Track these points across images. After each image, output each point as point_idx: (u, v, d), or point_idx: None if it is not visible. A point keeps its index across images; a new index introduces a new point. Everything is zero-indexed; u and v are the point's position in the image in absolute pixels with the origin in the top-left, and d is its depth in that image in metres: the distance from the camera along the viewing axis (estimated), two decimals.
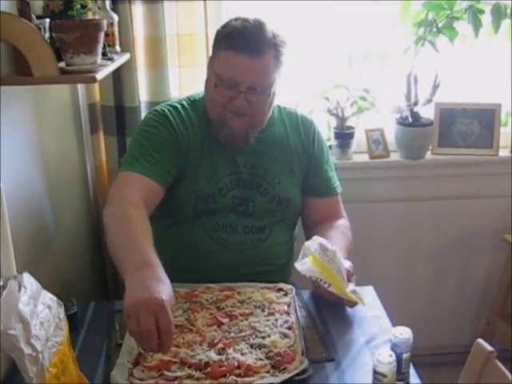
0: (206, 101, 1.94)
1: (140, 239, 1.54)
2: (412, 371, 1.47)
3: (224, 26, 1.87)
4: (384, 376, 1.36)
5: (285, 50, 1.87)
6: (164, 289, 1.36)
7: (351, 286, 1.71)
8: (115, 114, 2.44)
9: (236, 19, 1.85)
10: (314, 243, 1.73)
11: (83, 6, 1.66)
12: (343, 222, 2.09)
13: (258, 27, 1.81)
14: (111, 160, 2.52)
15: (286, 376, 1.42)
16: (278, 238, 2.01)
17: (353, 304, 1.72)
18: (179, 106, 1.96)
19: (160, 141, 1.87)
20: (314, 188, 2.07)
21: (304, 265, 1.68)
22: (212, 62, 1.90)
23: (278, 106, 2.06)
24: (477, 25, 2.50)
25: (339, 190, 2.11)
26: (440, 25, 2.52)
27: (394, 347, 1.43)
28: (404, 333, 1.44)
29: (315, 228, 2.02)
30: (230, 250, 1.94)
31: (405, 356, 1.43)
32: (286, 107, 2.09)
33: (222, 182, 1.93)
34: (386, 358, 1.36)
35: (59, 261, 2.07)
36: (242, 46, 1.79)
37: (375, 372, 1.37)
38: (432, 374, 2.90)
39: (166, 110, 1.93)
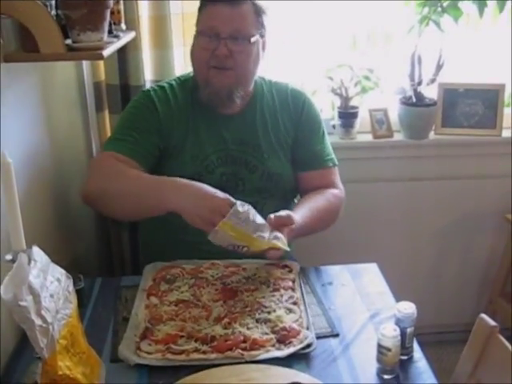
0: (193, 67, 1.98)
1: (151, 176, 1.77)
2: (415, 346, 1.49)
3: None
4: (388, 350, 1.38)
5: (264, 11, 1.92)
6: (212, 190, 1.65)
7: (274, 233, 1.67)
8: (120, 92, 2.44)
9: None
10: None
11: None
12: (332, 191, 2.04)
13: None
14: None
15: (291, 350, 1.44)
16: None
17: (274, 252, 1.69)
18: (166, 86, 2.01)
19: (141, 121, 1.93)
20: (301, 161, 2.06)
21: (216, 234, 1.60)
22: (196, 27, 1.94)
23: (269, 81, 2.08)
24: (481, 4, 2.50)
25: (332, 163, 2.08)
26: (445, 4, 2.52)
27: (398, 322, 1.45)
28: (408, 307, 1.46)
29: None
30: None
31: (409, 330, 1.45)
32: (278, 81, 2.10)
33: (209, 159, 1.95)
34: (390, 332, 1.38)
35: (65, 237, 2.09)
36: None
37: (380, 346, 1.39)
38: (435, 351, 2.91)
39: (152, 91, 1.98)
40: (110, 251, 2.68)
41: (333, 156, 2.09)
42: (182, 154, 1.94)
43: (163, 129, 1.94)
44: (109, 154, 1.87)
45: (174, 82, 2.03)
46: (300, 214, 1.83)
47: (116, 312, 1.67)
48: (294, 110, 2.05)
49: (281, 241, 1.68)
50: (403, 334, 1.42)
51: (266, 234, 1.65)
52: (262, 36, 1.94)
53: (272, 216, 1.70)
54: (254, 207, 1.91)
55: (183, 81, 2.04)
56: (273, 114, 2.03)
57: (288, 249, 1.71)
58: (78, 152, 2.37)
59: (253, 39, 1.88)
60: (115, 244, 2.65)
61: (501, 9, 2.53)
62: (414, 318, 1.45)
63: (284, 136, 2.03)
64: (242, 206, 1.62)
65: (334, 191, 2.04)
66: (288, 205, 2.08)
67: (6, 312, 1.49)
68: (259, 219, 1.66)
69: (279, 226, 1.71)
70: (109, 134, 2.53)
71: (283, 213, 1.74)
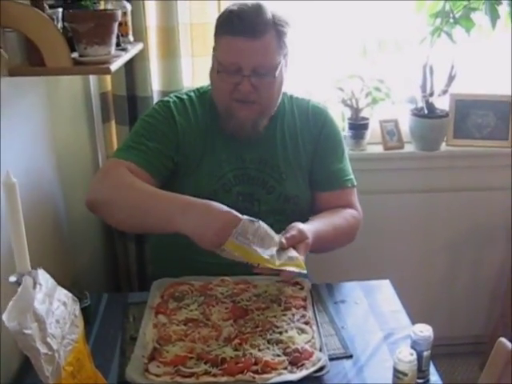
0: (213, 92, 1.90)
1: (159, 192, 1.66)
2: (432, 369, 1.45)
3: (222, 13, 1.84)
4: (405, 374, 1.34)
5: (286, 30, 1.81)
6: (221, 206, 1.55)
7: (287, 254, 1.60)
8: (127, 103, 2.42)
9: (233, 4, 1.80)
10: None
11: None
12: (350, 210, 1.96)
13: (255, 8, 1.76)
14: None
15: (304, 373, 1.40)
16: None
17: (286, 274, 1.60)
18: (186, 98, 1.93)
19: (157, 132, 1.85)
20: (318, 181, 1.98)
21: (223, 251, 1.55)
22: (214, 51, 1.86)
23: (290, 96, 2.01)
24: (494, 16, 2.45)
25: (351, 183, 2.00)
26: (457, 15, 2.48)
27: (414, 345, 1.41)
28: (424, 330, 1.41)
29: None
30: None
31: (425, 354, 1.41)
32: (299, 97, 2.02)
33: (226, 178, 1.89)
34: (406, 357, 1.34)
35: (71, 252, 2.06)
36: (241, 28, 1.73)
37: (396, 370, 1.35)
38: (446, 363, 2.89)
39: (171, 102, 1.91)
40: (116, 265, 2.65)
41: (352, 176, 2.01)
42: (199, 171, 1.88)
43: (180, 143, 1.87)
44: (120, 161, 1.78)
45: (193, 94, 1.95)
46: (315, 227, 1.74)
47: (123, 330, 1.63)
48: (313, 127, 1.97)
49: (295, 262, 1.59)
50: (420, 357, 1.39)
51: (280, 254, 1.58)
52: (285, 56, 1.84)
53: (284, 241, 1.61)
54: None
55: (202, 93, 1.96)
56: (293, 132, 1.96)
57: (305, 271, 1.61)
58: (83, 163, 2.34)
59: (277, 72, 1.79)
60: (121, 258, 2.63)
61: None
62: (430, 341, 1.41)
63: (303, 155, 1.96)
64: (251, 223, 1.55)
65: (353, 212, 1.96)
66: None
67: (10, 335, 1.46)
68: (270, 236, 1.59)
69: (293, 245, 1.63)
70: (115, 144, 2.52)
71: (293, 231, 1.65)
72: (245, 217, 1.57)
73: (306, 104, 2.01)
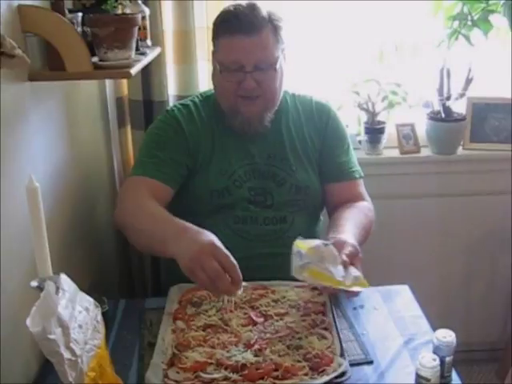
0: (217, 93, 1.95)
1: (165, 216, 1.67)
2: (454, 375, 1.44)
3: (218, 15, 1.90)
4: (427, 380, 1.33)
5: (282, 25, 1.87)
6: (209, 235, 1.50)
7: (351, 274, 1.60)
8: (143, 108, 2.42)
9: (228, 6, 1.88)
10: (308, 244, 1.64)
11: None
12: (364, 204, 2.02)
13: (250, 7, 1.83)
14: None
15: (325, 379, 1.39)
16: (301, 228, 1.96)
17: (354, 294, 1.63)
18: (190, 104, 1.99)
19: (167, 142, 1.91)
20: (328, 173, 2.03)
21: (303, 273, 1.58)
22: (214, 54, 1.92)
23: (293, 94, 2.06)
24: None
25: (358, 174, 2.05)
26: (475, 18, 2.46)
27: (436, 350, 1.40)
28: (447, 336, 1.40)
29: (334, 212, 1.99)
30: (252, 241, 1.93)
31: (447, 359, 1.40)
32: (301, 94, 2.07)
33: (236, 174, 1.93)
34: (429, 362, 1.33)
35: (87, 258, 2.05)
36: (238, 26, 1.80)
37: (418, 376, 1.34)
38: (462, 370, 2.85)
39: (176, 110, 1.96)
40: (130, 272, 2.64)
41: (358, 168, 2.07)
42: (209, 170, 1.92)
43: (190, 147, 1.92)
44: (137, 178, 1.86)
45: (196, 99, 2.01)
46: (353, 234, 1.77)
47: (141, 336, 1.62)
48: (319, 122, 2.03)
49: (360, 281, 1.60)
50: (442, 363, 1.37)
51: (346, 273, 1.60)
52: (283, 50, 1.90)
53: (345, 258, 1.61)
54: (284, 222, 1.93)
55: (205, 97, 2.02)
56: (299, 127, 2.01)
57: (368, 285, 1.62)
58: (100, 169, 2.34)
59: (277, 65, 1.85)
60: (135, 264, 2.62)
61: None
62: (453, 346, 1.40)
63: (311, 148, 2.01)
64: (325, 246, 1.61)
65: (367, 204, 2.03)
66: (316, 220, 2.08)
67: (29, 337, 1.46)
68: (335, 255, 1.61)
69: (352, 261, 1.66)
70: (131, 149, 2.51)
71: (349, 247, 1.66)
72: (318, 241, 1.63)
73: (309, 100, 2.06)
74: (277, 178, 1.96)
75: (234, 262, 1.44)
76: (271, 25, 1.83)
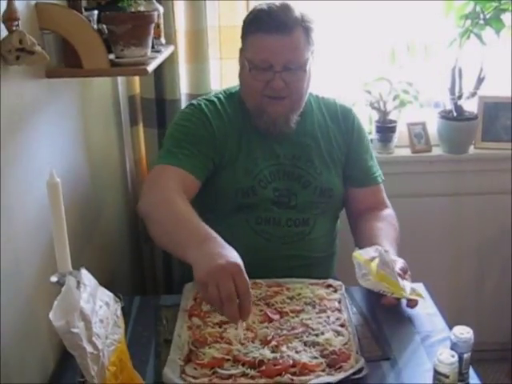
0: (243, 91, 1.94)
1: (191, 218, 1.57)
2: (471, 372, 1.44)
3: (250, 13, 1.89)
4: (446, 377, 1.32)
5: (313, 27, 1.85)
6: (235, 254, 1.38)
7: (408, 285, 1.66)
8: (155, 106, 2.42)
9: (260, 4, 1.86)
10: (367, 253, 1.70)
11: None
12: (389, 212, 2.06)
13: (284, 7, 1.82)
14: (151, 153, 2.49)
15: (342, 375, 1.39)
16: (322, 231, 1.98)
17: (414, 303, 1.67)
18: (216, 100, 1.95)
19: (196, 135, 1.88)
20: (354, 178, 2.04)
21: (368, 280, 1.66)
22: (242, 52, 1.90)
23: (316, 96, 2.05)
24: None
25: (381, 179, 2.08)
26: (487, 17, 2.46)
27: (454, 347, 1.39)
28: (465, 332, 1.40)
29: (359, 218, 2.01)
30: (273, 243, 1.92)
31: (465, 356, 1.39)
32: (325, 97, 2.07)
33: (262, 174, 1.92)
34: (448, 358, 1.33)
35: (99, 254, 2.05)
36: (270, 25, 1.78)
37: (436, 372, 1.33)
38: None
39: (203, 104, 1.93)
40: (142, 270, 2.65)
41: (380, 171, 2.10)
42: (235, 168, 1.91)
43: (217, 143, 1.89)
44: (167, 167, 1.81)
45: (221, 96, 1.98)
46: (394, 250, 1.81)
47: (157, 333, 1.63)
48: (344, 126, 2.02)
49: (417, 292, 1.68)
50: (460, 359, 1.36)
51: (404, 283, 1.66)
52: (313, 53, 1.89)
53: (401, 272, 1.67)
54: (306, 224, 1.94)
55: (229, 94, 1.99)
56: (324, 129, 2.00)
57: (423, 297, 1.70)
58: (112, 166, 2.34)
59: (307, 66, 1.84)
60: (148, 261, 2.63)
61: None
62: (471, 343, 1.40)
63: (336, 151, 2.00)
64: (386, 253, 1.65)
65: (391, 213, 2.06)
66: (335, 222, 2.09)
67: (47, 334, 1.47)
68: (392, 260, 1.67)
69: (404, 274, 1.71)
70: (143, 147, 2.52)
71: (400, 263, 1.73)
72: (380, 247, 1.67)
73: (333, 103, 2.06)
74: (302, 179, 1.95)
75: (250, 291, 1.34)
76: (303, 26, 1.82)
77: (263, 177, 1.92)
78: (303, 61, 1.83)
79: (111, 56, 1.56)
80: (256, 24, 1.82)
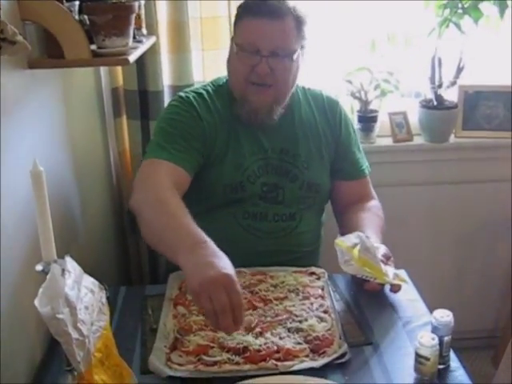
0: (229, 79, 1.92)
1: (184, 220, 1.52)
2: (452, 355, 1.46)
3: (243, 1, 1.88)
4: (427, 359, 1.35)
5: (306, 20, 1.85)
6: (226, 263, 1.35)
7: (390, 270, 1.69)
8: (139, 98, 2.42)
9: None
10: (349, 240, 1.71)
11: None
12: (374, 203, 2.07)
13: None
14: (135, 144, 2.50)
15: (325, 360, 1.41)
16: (308, 225, 1.98)
17: (397, 288, 1.70)
18: (204, 93, 1.93)
19: (186, 129, 1.85)
20: (343, 171, 2.04)
21: (350, 266, 1.66)
22: (233, 39, 1.88)
23: (303, 87, 2.03)
24: (502, 5, 2.46)
25: (368, 171, 2.09)
26: (465, 6, 2.48)
27: (434, 330, 1.42)
28: (445, 315, 1.43)
29: (346, 211, 2.02)
30: (260, 238, 1.92)
31: (446, 339, 1.42)
32: (311, 88, 2.05)
33: (250, 169, 1.90)
34: (429, 341, 1.35)
35: (84, 246, 2.06)
36: (261, 9, 1.78)
37: (418, 355, 1.36)
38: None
39: (192, 97, 1.90)
40: (127, 260, 2.65)
41: (367, 163, 2.10)
42: (224, 163, 1.89)
43: (207, 137, 1.87)
44: (158, 161, 1.78)
45: (209, 88, 1.96)
46: (377, 239, 1.82)
47: (143, 322, 1.64)
48: (332, 118, 2.02)
49: (400, 277, 1.72)
50: (441, 342, 1.39)
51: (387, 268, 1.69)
52: (303, 47, 1.88)
53: (383, 258, 1.70)
54: (293, 219, 1.94)
55: (218, 87, 1.96)
56: (313, 122, 1.99)
57: (406, 282, 1.74)
58: (96, 159, 2.34)
59: (295, 56, 1.82)
60: (133, 252, 2.63)
61: None
62: (451, 326, 1.42)
63: (324, 145, 2.00)
64: (368, 239, 1.68)
65: (377, 204, 2.08)
66: (321, 215, 2.09)
67: (35, 323, 1.47)
68: (374, 246, 1.70)
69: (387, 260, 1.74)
70: (127, 139, 2.52)
71: (383, 250, 1.75)
72: (361, 233, 1.69)
73: (320, 95, 2.05)
74: (289, 173, 1.94)
75: (243, 302, 1.34)
76: (294, 15, 1.81)
77: (252, 172, 1.90)
78: (291, 49, 1.81)
79: (93, 46, 1.57)
80: (248, 9, 1.81)
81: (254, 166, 1.91)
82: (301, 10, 1.83)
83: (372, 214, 1.99)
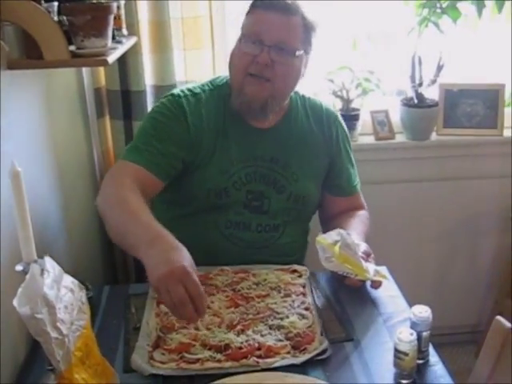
0: (230, 71, 1.87)
1: (142, 216, 1.53)
2: (431, 350, 1.48)
3: None
4: (406, 354, 1.36)
5: (315, 27, 1.84)
6: (182, 255, 1.36)
7: (371, 267, 1.70)
8: (121, 98, 2.43)
9: None
10: (330, 237, 1.72)
11: None
12: (362, 212, 2.07)
13: None
14: (118, 144, 2.51)
15: (306, 356, 1.43)
16: (291, 236, 1.95)
17: (378, 284, 1.71)
18: (200, 93, 1.89)
19: (168, 132, 1.81)
20: (335, 188, 2.04)
21: (331, 262, 1.68)
22: (241, 30, 1.85)
23: (303, 96, 2.00)
24: (480, 5, 2.50)
25: (359, 186, 2.09)
26: (444, 5, 2.51)
27: (413, 326, 1.43)
28: (423, 311, 1.44)
29: (333, 221, 2.00)
30: (241, 247, 1.89)
31: (424, 334, 1.43)
32: (311, 98, 2.02)
33: (237, 176, 1.87)
34: (407, 337, 1.37)
35: (68, 245, 2.05)
36: (272, 3, 1.77)
37: (396, 350, 1.37)
38: (441, 353, 2.90)
39: (183, 98, 1.85)
40: (113, 258, 2.65)
41: (358, 178, 2.10)
42: (209, 168, 1.85)
43: (191, 143, 1.83)
44: (128, 164, 1.76)
45: (207, 88, 1.91)
46: (358, 238, 1.83)
47: (126, 321, 1.64)
48: (328, 130, 1.99)
49: (380, 273, 1.73)
50: (419, 337, 1.40)
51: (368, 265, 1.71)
52: (307, 53, 1.86)
53: (363, 255, 1.72)
54: (276, 230, 1.92)
55: (216, 86, 1.92)
56: (308, 132, 1.96)
57: (387, 278, 1.75)
58: (79, 159, 2.34)
59: (297, 53, 1.79)
60: (118, 250, 2.63)
61: (499, 9, 2.53)
62: (429, 321, 1.43)
63: (317, 157, 1.97)
64: (348, 236, 1.69)
65: (366, 213, 2.09)
66: (306, 225, 2.07)
67: (17, 323, 1.47)
68: (355, 243, 1.71)
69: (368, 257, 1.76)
70: (110, 139, 2.53)
71: (364, 247, 1.78)
72: (342, 230, 1.70)
73: (319, 105, 2.02)
74: (277, 184, 1.90)
75: (202, 291, 1.33)
76: (304, 18, 1.80)
77: (238, 178, 1.86)
78: (295, 46, 1.79)
79: (72, 47, 1.56)
80: (259, 2, 1.81)
81: (241, 173, 1.87)
82: (312, 16, 1.83)
83: (358, 220, 1.99)
